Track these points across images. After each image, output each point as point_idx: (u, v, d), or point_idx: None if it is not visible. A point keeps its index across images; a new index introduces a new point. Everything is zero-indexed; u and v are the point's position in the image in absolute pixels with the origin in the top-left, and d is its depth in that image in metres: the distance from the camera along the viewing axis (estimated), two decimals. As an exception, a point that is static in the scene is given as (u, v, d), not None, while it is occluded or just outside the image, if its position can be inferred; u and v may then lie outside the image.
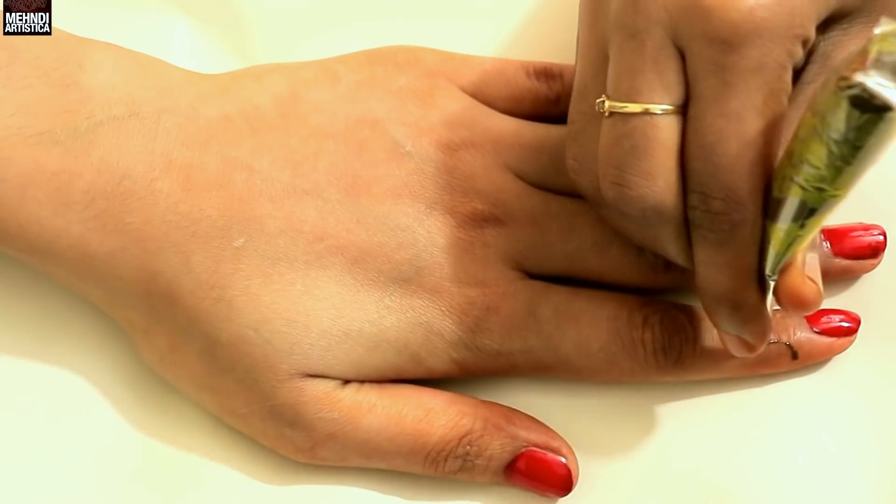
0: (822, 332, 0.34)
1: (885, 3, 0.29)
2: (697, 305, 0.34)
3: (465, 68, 0.35)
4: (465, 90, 0.35)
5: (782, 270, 0.28)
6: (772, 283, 0.29)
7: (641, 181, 0.28)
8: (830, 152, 0.24)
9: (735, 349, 0.31)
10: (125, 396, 0.35)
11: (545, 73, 0.35)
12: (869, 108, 0.22)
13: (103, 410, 0.34)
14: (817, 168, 0.24)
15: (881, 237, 0.35)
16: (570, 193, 0.34)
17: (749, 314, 0.29)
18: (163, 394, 0.35)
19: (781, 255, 0.28)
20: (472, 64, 0.35)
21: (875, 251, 0.35)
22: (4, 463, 0.34)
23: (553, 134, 0.34)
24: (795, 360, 0.34)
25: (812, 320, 0.34)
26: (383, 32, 0.36)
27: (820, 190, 0.25)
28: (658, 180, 0.28)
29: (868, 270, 0.35)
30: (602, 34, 0.29)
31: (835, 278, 0.35)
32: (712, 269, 0.29)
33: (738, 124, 0.27)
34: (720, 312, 0.30)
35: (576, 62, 0.31)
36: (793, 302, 0.28)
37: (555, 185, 0.34)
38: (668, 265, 0.33)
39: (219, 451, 0.34)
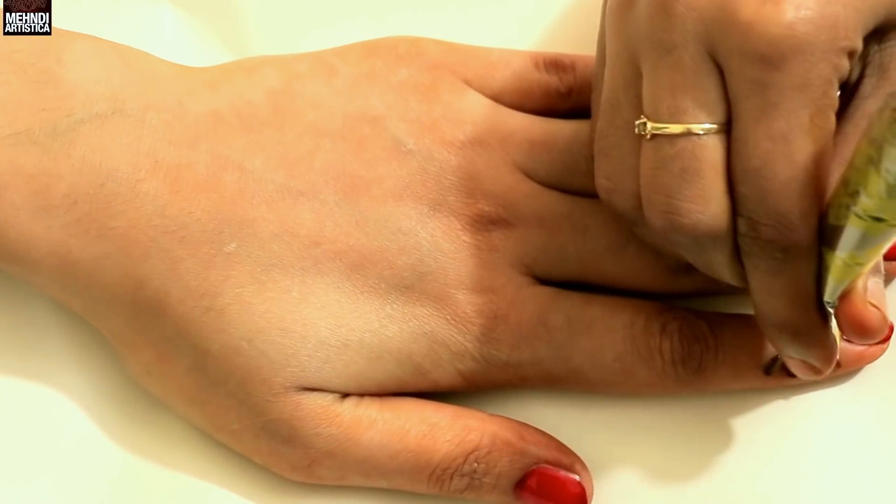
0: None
1: None
2: (719, 312, 0.33)
3: (471, 60, 0.35)
4: (470, 84, 0.34)
5: (842, 297, 0.28)
6: (832, 310, 0.28)
7: (694, 207, 0.28)
8: (887, 183, 0.23)
9: (800, 372, 0.31)
10: (108, 412, 0.34)
11: (555, 65, 0.35)
12: None
13: (85, 427, 0.34)
14: (873, 198, 0.24)
15: (915, 239, 0.34)
16: (583, 193, 0.33)
17: (811, 340, 0.29)
18: (149, 409, 0.34)
19: (840, 282, 0.27)
20: (477, 56, 0.35)
21: (908, 253, 0.34)
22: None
23: (565, 130, 0.34)
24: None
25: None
26: (383, 23, 0.36)
27: (878, 220, 0.24)
28: (711, 204, 0.27)
29: (902, 275, 0.34)
30: (630, 43, 0.29)
31: (865, 282, 0.34)
32: (768, 296, 0.29)
33: (784, 146, 0.26)
34: (781, 339, 0.30)
35: (596, 64, 0.31)
36: (855, 329, 0.28)
37: (566, 184, 0.33)
38: (689, 268, 0.32)
39: (209, 470, 0.34)
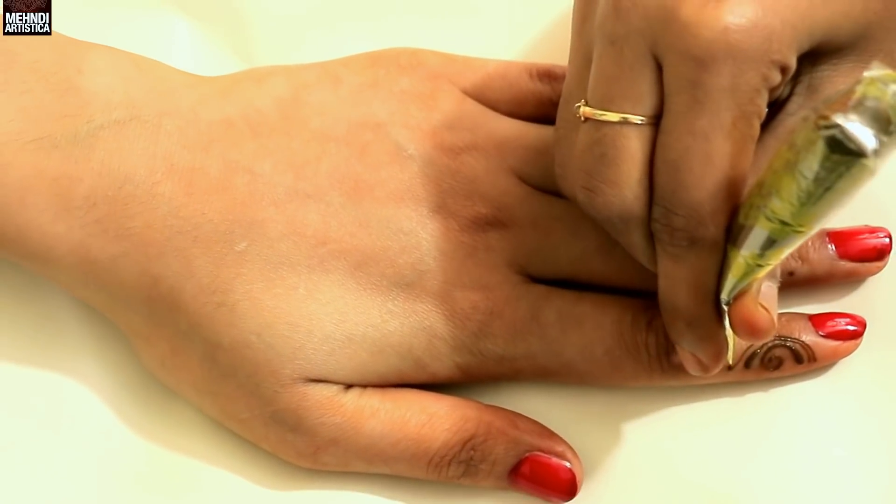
0: (827, 336, 0.34)
1: (879, 43, 0.29)
2: None
3: (468, 70, 0.35)
4: (467, 92, 0.35)
5: (736, 296, 0.28)
6: (726, 308, 0.29)
7: (607, 189, 0.28)
8: (800, 188, 0.24)
9: (690, 366, 0.31)
10: (125, 401, 0.34)
11: (548, 75, 0.35)
12: (844, 151, 0.22)
13: (103, 416, 0.34)
14: (784, 202, 0.24)
15: (887, 240, 0.34)
16: None
17: (703, 333, 0.30)
18: (163, 399, 0.34)
19: (738, 281, 0.28)
20: (474, 66, 0.35)
21: (881, 254, 0.34)
22: (4, 469, 0.34)
23: None
24: (801, 364, 0.34)
25: (817, 324, 0.34)
26: (385, 34, 0.36)
27: (784, 224, 0.25)
28: (623, 189, 0.28)
29: (873, 273, 0.35)
30: (588, 40, 0.29)
31: (840, 281, 0.35)
32: (670, 282, 0.29)
33: (704, 143, 0.27)
34: (675, 327, 0.30)
35: None
36: (744, 328, 0.28)
37: (558, 187, 0.33)
38: None
39: (220, 456, 0.34)
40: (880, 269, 0.34)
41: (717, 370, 0.30)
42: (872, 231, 0.34)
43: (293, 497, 0.34)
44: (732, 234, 0.28)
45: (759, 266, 0.27)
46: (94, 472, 0.34)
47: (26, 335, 0.35)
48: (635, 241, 0.29)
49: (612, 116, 0.28)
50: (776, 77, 0.27)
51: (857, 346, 0.34)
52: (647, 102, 0.28)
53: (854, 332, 0.34)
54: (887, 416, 0.34)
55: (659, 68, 0.27)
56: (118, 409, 0.34)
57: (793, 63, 0.28)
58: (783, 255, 0.26)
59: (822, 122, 0.22)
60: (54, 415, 0.34)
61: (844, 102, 0.22)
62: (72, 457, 0.34)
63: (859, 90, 0.22)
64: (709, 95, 0.27)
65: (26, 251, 0.31)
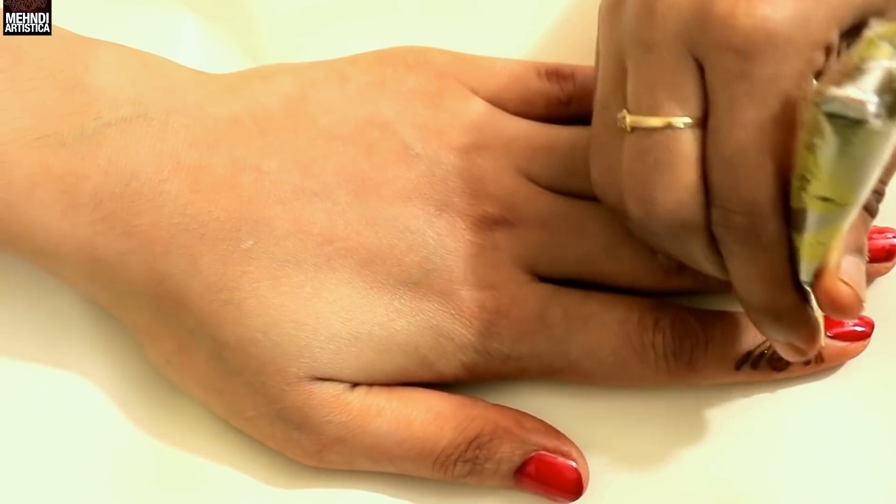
0: (835, 337, 0.34)
1: None
2: (708, 309, 0.34)
3: (476, 69, 0.35)
4: (475, 92, 0.35)
5: (816, 275, 0.28)
6: (810, 289, 0.28)
7: (666, 196, 0.28)
8: (825, 164, 0.24)
9: (787, 355, 0.30)
10: (131, 399, 0.35)
11: (557, 74, 0.35)
12: (846, 121, 0.22)
13: (109, 413, 0.34)
14: (815, 179, 0.24)
15: (895, 240, 0.34)
16: (582, 196, 0.33)
17: (792, 320, 0.29)
18: (169, 396, 0.34)
19: (811, 261, 0.27)
20: (482, 65, 0.35)
21: (889, 254, 0.34)
22: (11, 466, 0.34)
23: (564, 136, 0.34)
24: (808, 365, 0.34)
25: (825, 324, 0.33)
26: (393, 32, 0.36)
27: (824, 200, 0.25)
28: (683, 195, 0.28)
29: (882, 274, 0.35)
30: (619, 44, 0.29)
31: (848, 281, 0.35)
32: (746, 282, 0.29)
33: (756, 135, 0.26)
34: (764, 322, 0.30)
35: (595, 70, 0.31)
36: (828, 305, 0.27)
37: (566, 187, 0.34)
38: (682, 268, 0.33)
39: (226, 454, 0.34)
40: (888, 269, 0.35)
41: (814, 352, 0.30)
42: (881, 231, 0.34)
43: (298, 495, 0.34)
44: (791, 219, 0.27)
45: (822, 244, 0.26)
46: (99, 470, 0.34)
47: (32, 332, 0.35)
48: (698, 250, 0.29)
49: (659, 122, 0.28)
50: (820, 59, 0.27)
51: (864, 346, 0.34)
52: (693, 104, 0.27)
53: (862, 332, 0.34)
54: (895, 416, 0.34)
55: (700, 69, 0.27)
56: (124, 406, 0.34)
57: (835, 42, 0.27)
58: (840, 231, 0.26)
59: (819, 98, 0.22)
60: (60, 413, 0.34)
61: (842, 72, 0.22)
62: (77, 455, 0.34)
63: (857, 55, 0.22)
64: (755, 86, 0.26)
65: (33, 248, 0.32)
